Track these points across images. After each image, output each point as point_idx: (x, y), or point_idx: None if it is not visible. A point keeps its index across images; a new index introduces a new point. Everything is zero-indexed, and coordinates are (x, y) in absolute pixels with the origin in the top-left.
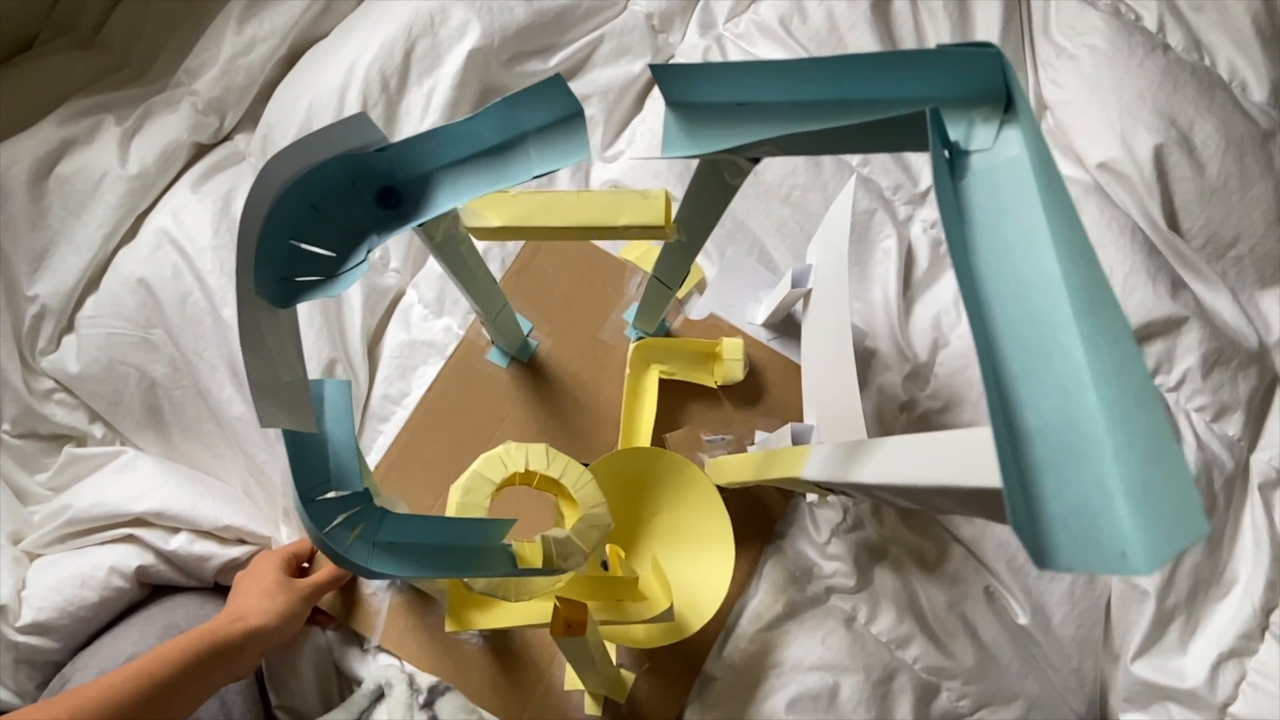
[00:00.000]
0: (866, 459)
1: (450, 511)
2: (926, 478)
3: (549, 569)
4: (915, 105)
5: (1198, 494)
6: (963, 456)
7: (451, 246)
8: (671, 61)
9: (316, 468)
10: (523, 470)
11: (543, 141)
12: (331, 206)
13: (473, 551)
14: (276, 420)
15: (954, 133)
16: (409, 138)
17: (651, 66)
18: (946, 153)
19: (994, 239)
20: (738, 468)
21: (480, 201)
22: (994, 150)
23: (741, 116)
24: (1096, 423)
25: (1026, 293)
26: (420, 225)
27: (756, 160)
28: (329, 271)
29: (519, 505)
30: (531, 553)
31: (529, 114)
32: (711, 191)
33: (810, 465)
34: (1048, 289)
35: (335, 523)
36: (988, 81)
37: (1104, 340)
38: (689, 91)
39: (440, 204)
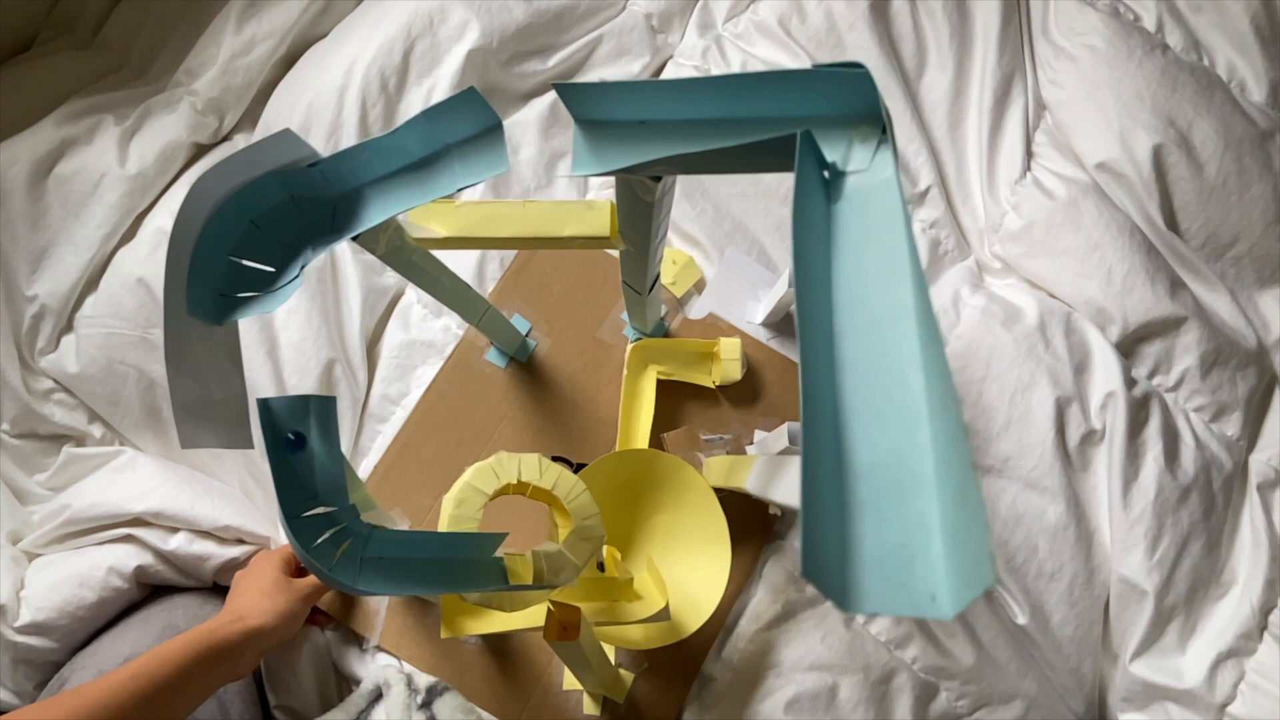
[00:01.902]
0: (781, 477)
1: (443, 524)
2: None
3: (540, 584)
4: (801, 125)
5: (991, 541)
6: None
7: (401, 256)
8: (670, 62)
9: (302, 484)
10: (515, 481)
11: (465, 154)
12: (271, 222)
13: (463, 566)
14: (202, 441)
15: (833, 153)
16: (338, 152)
17: (555, 86)
18: (826, 173)
19: (856, 267)
20: (717, 471)
21: (425, 212)
22: (869, 171)
23: (642, 135)
24: (925, 460)
25: (880, 325)
26: (358, 238)
27: (658, 179)
28: (265, 286)
29: (514, 507)
30: (523, 567)
31: (450, 127)
32: (633, 207)
33: (750, 479)
34: (899, 320)
35: (322, 539)
36: (863, 101)
37: (935, 374)
38: (593, 109)
39: (371, 217)
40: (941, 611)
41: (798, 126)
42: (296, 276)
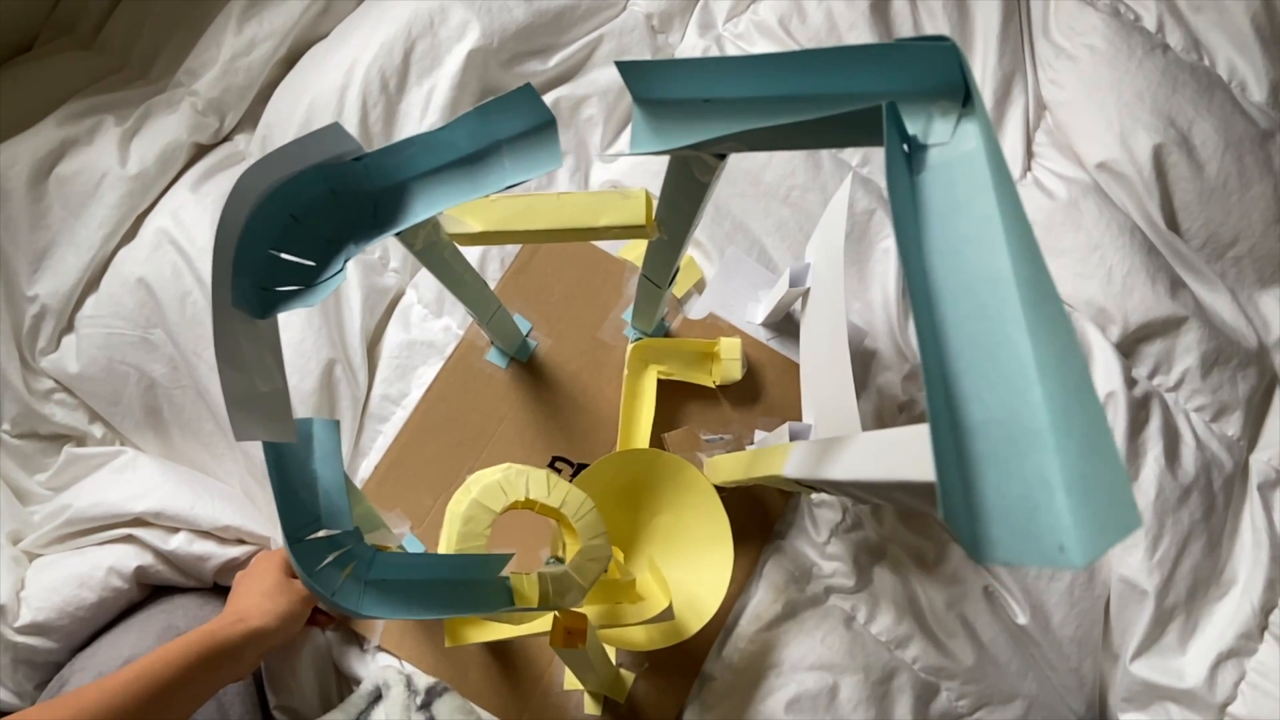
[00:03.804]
0: (838, 456)
1: (450, 541)
2: (883, 473)
3: (546, 606)
4: (876, 99)
5: (1131, 487)
6: (912, 451)
7: (435, 252)
8: None
9: (305, 507)
10: (523, 499)
11: (516, 150)
12: (311, 216)
13: (468, 587)
14: (253, 433)
15: (913, 126)
16: (385, 147)
17: (618, 64)
18: (905, 147)
19: (948, 234)
20: (730, 467)
21: (460, 207)
22: (952, 144)
23: (707, 113)
24: (1039, 416)
25: (977, 287)
26: (399, 233)
27: (723, 157)
28: (308, 281)
29: (518, 514)
30: (529, 588)
31: (502, 123)
32: (684, 189)
33: (790, 463)
34: (998, 283)
35: (325, 563)
36: (946, 75)
37: (1047, 333)
38: (655, 88)
39: (417, 213)
40: (1072, 561)
41: (872, 101)
42: (340, 271)
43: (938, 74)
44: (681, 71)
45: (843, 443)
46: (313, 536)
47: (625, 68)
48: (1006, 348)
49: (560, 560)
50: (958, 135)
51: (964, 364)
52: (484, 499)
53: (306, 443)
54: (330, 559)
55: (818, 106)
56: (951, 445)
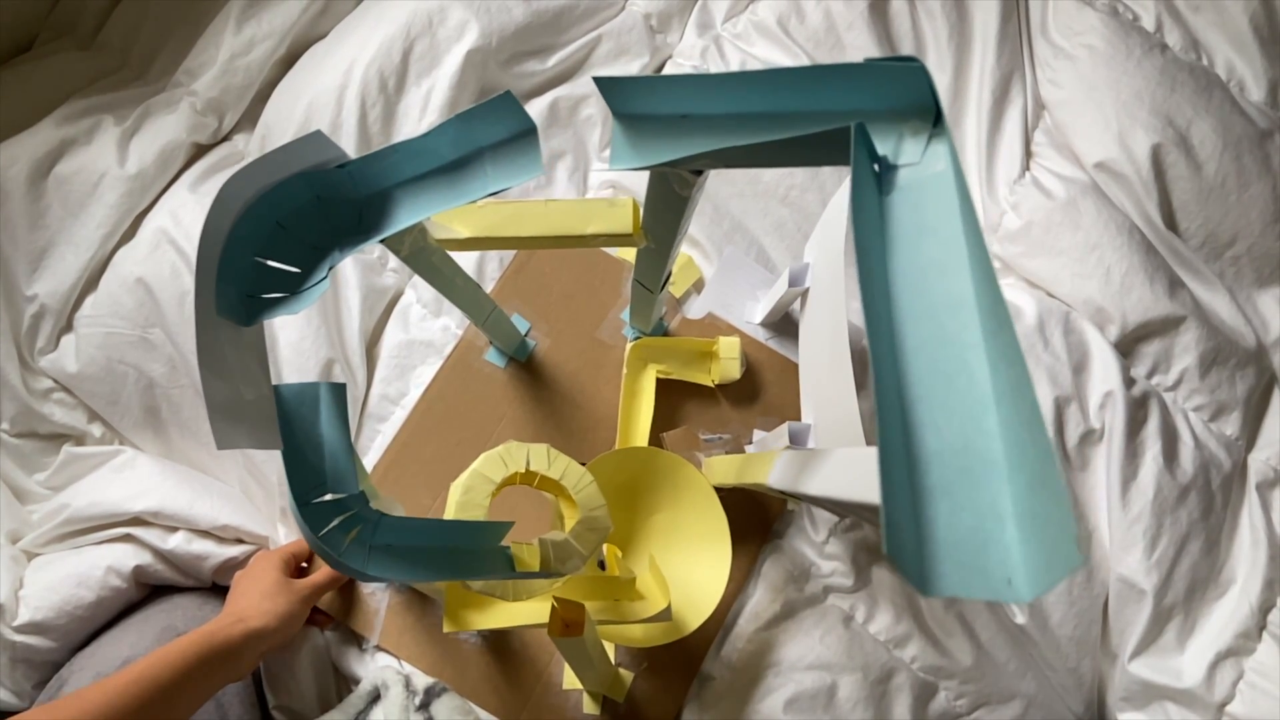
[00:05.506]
0: (815, 470)
1: (450, 510)
2: (848, 492)
3: (546, 572)
4: (848, 119)
5: (1075, 523)
6: (870, 473)
7: (423, 258)
8: (669, 62)
9: (312, 470)
10: (524, 470)
11: (498, 158)
12: (297, 223)
13: (470, 554)
14: (235, 441)
15: (883, 146)
16: (368, 154)
17: (595, 79)
18: (876, 166)
19: (913, 257)
20: (724, 469)
21: (448, 213)
22: (921, 164)
23: (684, 129)
24: (994, 446)
25: (939, 313)
26: (385, 239)
27: (699, 172)
28: (293, 288)
29: (516, 506)
30: (529, 555)
31: (484, 130)
32: (665, 200)
33: (773, 474)
34: (959, 309)
35: (331, 525)
36: (917, 95)
37: (1003, 362)
38: (633, 103)
39: (401, 220)
40: (1019, 596)
41: (845, 120)
42: (324, 278)
43: (908, 94)
44: (658, 88)
45: (821, 457)
46: (319, 500)
47: (604, 84)
48: (965, 375)
49: None
50: (927, 156)
51: (922, 390)
52: (484, 469)
53: (314, 406)
54: (336, 522)
55: (792, 124)
56: (905, 474)
